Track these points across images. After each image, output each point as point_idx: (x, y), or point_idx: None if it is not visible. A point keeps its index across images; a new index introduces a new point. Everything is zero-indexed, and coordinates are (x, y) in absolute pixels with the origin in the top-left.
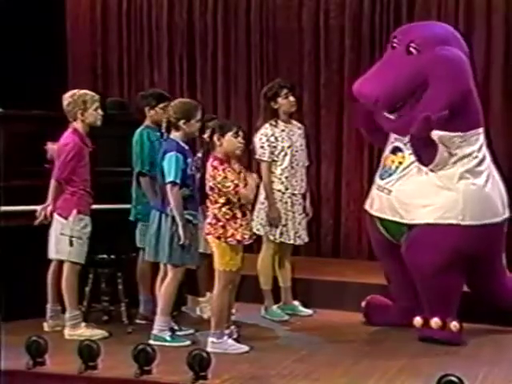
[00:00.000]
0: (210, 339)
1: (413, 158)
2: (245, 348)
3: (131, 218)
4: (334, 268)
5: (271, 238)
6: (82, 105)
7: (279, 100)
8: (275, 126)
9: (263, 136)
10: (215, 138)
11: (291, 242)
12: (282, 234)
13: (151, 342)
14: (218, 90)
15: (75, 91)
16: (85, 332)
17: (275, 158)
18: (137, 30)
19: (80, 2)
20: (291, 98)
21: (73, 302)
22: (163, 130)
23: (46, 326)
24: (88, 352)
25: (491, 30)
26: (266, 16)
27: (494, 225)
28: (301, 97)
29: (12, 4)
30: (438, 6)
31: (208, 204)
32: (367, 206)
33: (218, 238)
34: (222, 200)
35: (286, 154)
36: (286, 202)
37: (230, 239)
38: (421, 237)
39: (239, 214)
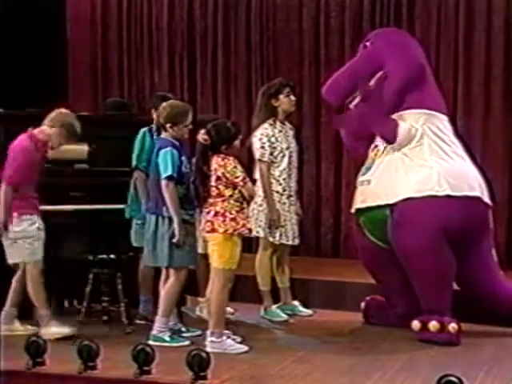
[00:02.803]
0: (209, 339)
1: (384, 145)
2: (244, 348)
3: (126, 215)
4: (333, 268)
5: (271, 239)
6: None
7: (281, 97)
8: (274, 127)
9: (264, 136)
10: (223, 148)
11: (290, 242)
12: (281, 235)
13: (150, 342)
14: (218, 90)
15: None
16: (56, 330)
17: (274, 160)
18: (137, 31)
19: (80, 3)
20: (292, 97)
21: (41, 301)
22: (153, 131)
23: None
24: (87, 352)
25: (491, 31)
26: (266, 16)
27: (473, 199)
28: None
29: (12, 5)
30: (438, 7)
31: (211, 199)
32: (353, 209)
33: (232, 232)
34: (228, 192)
35: (284, 156)
36: (285, 203)
37: (241, 229)
38: (403, 213)
39: (245, 204)
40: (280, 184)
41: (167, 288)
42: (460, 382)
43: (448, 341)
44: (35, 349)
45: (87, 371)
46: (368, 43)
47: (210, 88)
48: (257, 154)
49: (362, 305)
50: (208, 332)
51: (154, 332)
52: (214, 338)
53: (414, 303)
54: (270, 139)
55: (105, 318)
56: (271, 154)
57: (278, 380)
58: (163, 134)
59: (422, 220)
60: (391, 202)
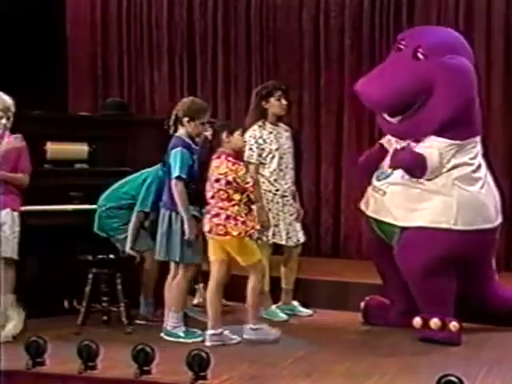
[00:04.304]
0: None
1: None
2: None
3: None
4: (333, 268)
5: (264, 239)
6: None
7: (271, 100)
8: (263, 128)
9: (251, 138)
10: (224, 135)
11: (283, 242)
12: (274, 234)
13: (164, 336)
14: (218, 90)
15: None
16: None
17: (263, 161)
18: (137, 30)
19: (80, 2)
20: (283, 102)
21: None
22: (170, 123)
23: None
24: (87, 352)
25: (491, 31)
26: (266, 16)
27: (486, 231)
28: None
29: (12, 4)
30: (437, 7)
31: (218, 203)
32: (363, 206)
33: (244, 235)
34: (237, 197)
35: (273, 157)
36: (278, 203)
37: (251, 231)
38: (413, 240)
39: (252, 206)
40: (272, 184)
41: (176, 284)
42: (460, 382)
43: (448, 339)
44: (35, 349)
45: (87, 371)
46: (420, 56)
47: (210, 88)
48: (245, 156)
49: (362, 305)
50: (248, 324)
51: (168, 328)
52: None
53: (415, 301)
54: (258, 141)
55: (105, 318)
56: (260, 155)
57: (278, 380)
58: (179, 131)
59: (431, 250)
60: (403, 225)
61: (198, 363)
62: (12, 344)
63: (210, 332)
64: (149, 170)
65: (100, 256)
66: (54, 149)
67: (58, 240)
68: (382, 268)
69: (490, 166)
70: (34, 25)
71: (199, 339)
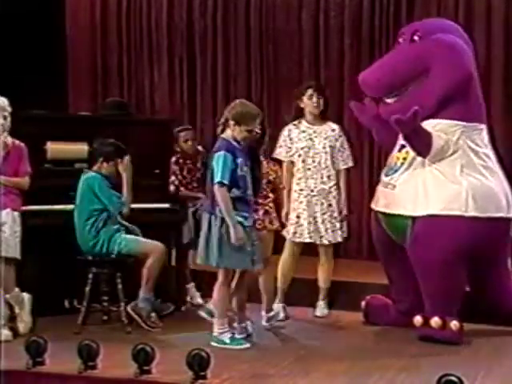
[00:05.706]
0: (267, 315)
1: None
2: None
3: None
4: (334, 268)
5: (285, 234)
6: None
7: (304, 99)
8: (296, 127)
9: (281, 136)
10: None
11: (301, 240)
12: (295, 233)
13: (212, 343)
14: (218, 90)
15: None
16: None
17: (292, 159)
18: (136, 31)
19: (80, 3)
20: (314, 99)
21: None
22: (220, 122)
23: None
24: (87, 352)
25: (491, 31)
26: (266, 16)
27: (498, 219)
28: None
29: (12, 4)
30: (437, 7)
31: (260, 200)
32: (372, 205)
33: (277, 229)
34: (271, 194)
35: (299, 156)
36: (302, 202)
37: (277, 225)
38: (425, 229)
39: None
40: (298, 183)
41: (216, 290)
42: (460, 382)
43: (449, 338)
44: (35, 348)
45: (87, 371)
46: (416, 37)
47: (209, 88)
48: (274, 153)
49: (363, 304)
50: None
51: (214, 334)
52: (269, 315)
53: (419, 301)
54: (286, 139)
55: (105, 317)
56: (287, 152)
57: (278, 380)
58: (226, 132)
59: (443, 239)
60: (414, 214)
61: (198, 363)
62: (12, 344)
63: (267, 315)
64: (87, 175)
65: (100, 256)
66: (54, 149)
67: (58, 240)
68: (390, 268)
69: (500, 162)
70: (34, 25)
71: (246, 346)
